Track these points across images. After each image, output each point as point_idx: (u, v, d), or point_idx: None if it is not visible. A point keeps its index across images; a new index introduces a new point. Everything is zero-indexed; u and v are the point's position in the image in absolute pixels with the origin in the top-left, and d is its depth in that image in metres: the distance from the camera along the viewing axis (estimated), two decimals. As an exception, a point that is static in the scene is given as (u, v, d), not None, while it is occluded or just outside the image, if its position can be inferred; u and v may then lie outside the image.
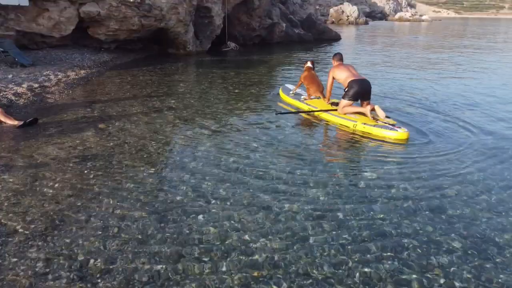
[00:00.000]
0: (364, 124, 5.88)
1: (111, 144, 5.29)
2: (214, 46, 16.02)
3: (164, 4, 12.45)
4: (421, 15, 75.15)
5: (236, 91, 8.81)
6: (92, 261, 2.92)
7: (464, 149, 5.24)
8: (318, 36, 22.24)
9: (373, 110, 6.04)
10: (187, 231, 3.31)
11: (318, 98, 7.34)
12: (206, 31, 15.11)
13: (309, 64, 7.78)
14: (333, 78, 6.60)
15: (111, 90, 8.66)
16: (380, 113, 5.95)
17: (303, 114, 6.81)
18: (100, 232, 3.28)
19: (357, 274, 2.82)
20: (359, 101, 6.36)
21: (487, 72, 12.14)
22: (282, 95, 8.01)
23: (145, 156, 4.91)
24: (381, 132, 5.63)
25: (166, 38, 13.80)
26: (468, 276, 2.81)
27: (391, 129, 5.58)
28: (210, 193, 3.98)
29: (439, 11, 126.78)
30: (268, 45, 18.91)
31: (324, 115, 6.65)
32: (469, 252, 3.08)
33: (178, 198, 3.87)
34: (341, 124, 6.24)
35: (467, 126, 6.25)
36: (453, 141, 5.57)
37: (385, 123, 5.75)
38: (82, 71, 10.18)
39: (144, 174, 4.40)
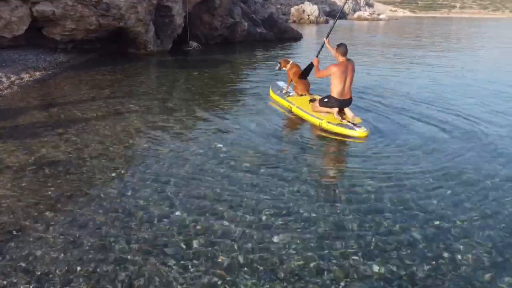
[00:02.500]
0: (329, 122, 6.08)
1: (70, 149, 5.10)
2: (176, 45, 15.77)
3: (123, 3, 12.14)
4: (379, 14, 77.33)
5: (200, 91, 8.74)
6: (52, 272, 2.82)
7: (422, 145, 5.45)
8: (280, 35, 22.37)
9: (342, 110, 6.21)
10: (152, 236, 3.26)
11: (302, 95, 7.46)
12: (167, 30, 14.86)
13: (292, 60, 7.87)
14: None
15: (69, 92, 8.36)
16: (348, 113, 6.18)
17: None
18: (61, 241, 3.17)
19: (325, 271, 2.88)
20: None
21: (446, 68, 12.66)
22: (272, 94, 8.04)
23: (106, 160, 4.78)
24: (343, 130, 5.83)
25: (126, 37, 13.46)
26: (428, 267, 2.94)
27: (350, 128, 5.79)
28: (175, 196, 3.93)
29: (396, 10, 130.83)
30: (230, 44, 18.84)
31: (295, 110, 6.90)
32: (428, 241, 3.22)
33: (142, 202, 3.80)
34: (309, 120, 6.45)
35: (429, 121, 6.51)
36: (413, 136, 5.78)
37: (350, 122, 5.92)
38: (37, 73, 9.76)
39: (106, 179, 4.28)
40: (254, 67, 12.83)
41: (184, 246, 3.13)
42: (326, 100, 6.30)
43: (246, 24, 19.87)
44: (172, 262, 2.95)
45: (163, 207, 3.71)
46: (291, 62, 7.80)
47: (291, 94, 7.55)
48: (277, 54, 16.35)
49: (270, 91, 8.17)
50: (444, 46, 22.13)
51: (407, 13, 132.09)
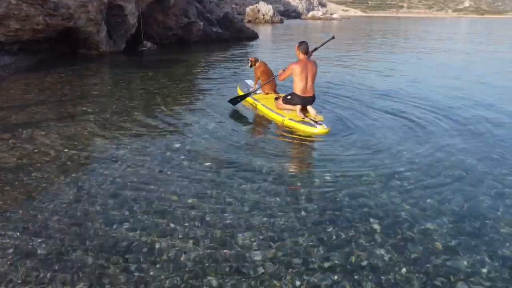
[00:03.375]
0: (291, 119, 6.16)
1: (18, 154, 4.83)
2: (130, 46, 15.40)
3: (72, 2, 11.67)
4: (331, 14, 79.24)
5: (156, 91, 8.56)
6: (3, 286, 2.65)
7: (381, 141, 5.63)
8: (236, 35, 22.40)
9: (305, 108, 6.30)
10: (111, 241, 3.15)
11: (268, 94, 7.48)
12: (120, 30, 14.46)
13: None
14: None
15: (16, 95, 7.92)
16: (311, 111, 6.26)
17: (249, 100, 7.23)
18: (11, 252, 2.99)
19: (289, 269, 2.90)
20: None
21: (401, 66, 13.16)
22: (239, 92, 7.99)
23: (58, 165, 4.57)
24: (304, 128, 5.93)
25: (76, 38, 12.97)
26: (388, 255, 3.03)
27: (311, 125, 5.88)
28: (133, 199, 3.82)
29: (348, 10, 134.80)
30: (186, 44, 18.63)
31: (259, 107, 6.97)
32: (386, 233, 3.32)
33: (98, 207, 3.67)
34: (272, 118, 6.51)
35: (392, 116, 6.73)
36: (373, 133, 5.96)
37: (311, 119, 6.01)
38: (-21, 76, 9.19)
39: (59, 185, 4.09)
40: (211, 66, 12.75)
41: (145, 250, 3.05)
42: (289, 97, 6.36)
43: (201, 23, 19.72)
44: (133, 267, 2.86)
45: (121, 211, 3.59)
46: (259, 60, 7.82)
47: (258, 92, 7.55)
48: (234, 54, 16.36)
49: (238, 89, 8.16)
50: (399, 44, 23.01)
51: (359, 12, 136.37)
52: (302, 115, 6.18)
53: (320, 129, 5.79)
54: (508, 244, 3.21)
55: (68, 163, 4.64)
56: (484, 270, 2.89)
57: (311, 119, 6.04)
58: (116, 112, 6.84)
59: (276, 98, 6.89)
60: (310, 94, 6.27)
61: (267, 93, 7.49)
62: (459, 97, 8.33)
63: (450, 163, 4.83)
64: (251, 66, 7.82)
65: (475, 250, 3.12)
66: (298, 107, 6.28)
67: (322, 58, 13.49)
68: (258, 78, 7.68)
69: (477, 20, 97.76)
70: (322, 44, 6.90)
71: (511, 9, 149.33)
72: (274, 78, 7.51)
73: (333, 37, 7.06)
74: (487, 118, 6.76)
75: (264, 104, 6.93)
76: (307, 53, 6.25)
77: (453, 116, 6.81)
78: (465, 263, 2.97)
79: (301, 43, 6.31)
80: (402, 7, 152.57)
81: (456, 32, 40.69)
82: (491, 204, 3.85)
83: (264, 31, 32.07)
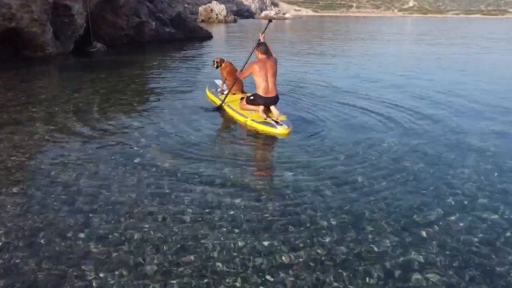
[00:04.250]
0: (253, 120, 6.17)
1: (-41, 164, 4.52)
2: (79, 47, 14.81)
3: (13, 2, 11.02)
4: (284, 13, 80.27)
5: (107, 94, 8.29)
6: None
7: (339, 140, 5.77)
8: (190, 35, 22.15)
9: (268, 108, 6.34)
10: (67, 251, 3.01)
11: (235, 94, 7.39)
12: (67, 31, 13.85)
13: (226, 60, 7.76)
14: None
15: (-47, 101, 7.39)
16: (274, 111, 6.30)
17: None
18: (-45, 270, 2.78)
19: (250, 265, 2.91)
20: None
21: (359, 62, 13.54)
22: (208, 92, 7.89)
23: (5, 174, 4.31)
24: (265, 128, 5.97)
25: (20, 39, 12.28)
26: (346, 249, 3.11)
27: (272, 126, 5.92)
28: (89, 206, 3.67)
29: (300, 10, 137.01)
30: (138, 44, 18.18)
31: (226, 108, 6.94)
32: (345, 228, 3.41)
33: (51, 216, 3.49)
34: (236, 119, 6.49)
35: (354, 113, 6.91)
36: (333, 131, 6.09)
37: (273, 120, 6.05)
38: None
39: (6, 195, 3.86)
40: (165, 67, 12.53)
41: (103, 257, 2.95)
42: (252, 98, 6.36)
43: (153, 23, 19.34)
44: (91, 275, 2.75)
45: (76, 219, 3.45)
46: (225, 61, 7.74)
47: (225, 93, 7.45)
48: (188, 54, 16.16)
49: (207, 90, 8.06)
50: (353, 44, 23.68)
51: (310, 12, 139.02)
52: (265, 116, 6.19)
53: (280, 130, 5.83)
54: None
55: (16, 172, 4.39)
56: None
57: (273, 120, 6.06)
58: (65, 117, 6.55)
59: (242, 98, 6.88)
60: (272, 94, 6.28)
61: (234, 94, 7.40)
62: (426, 100, 8.71)
63: (407, 164, 5.04)
64: (217, 67, 7.73)
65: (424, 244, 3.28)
66: (261, 107, 6.30)
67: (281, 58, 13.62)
68: (225, 79, 7.63)
69: (422, 19, 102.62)
70: (264, 30, 7.04)
71: (451, 8, 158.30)
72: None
73: (270, 21, 7.55)
74: (432, 113, 7.14)
75: (229, 105, 6.87)
76: (266, 52, 6.29)
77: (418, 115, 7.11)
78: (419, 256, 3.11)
79: (259, 44, 6.35)
80: (351, 6, 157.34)
81: (403, 30, 42.52)
82: (434, 201, 4.07)
83: (218, 31, 31.93)
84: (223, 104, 7.01)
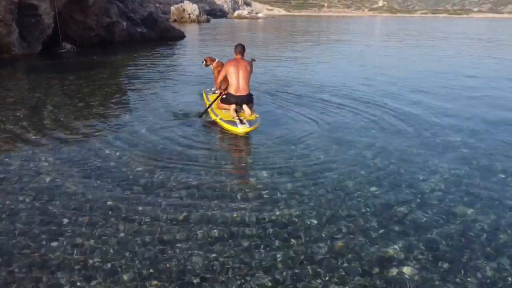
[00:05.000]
0: (221, 119, 6.21)
1: None
2: (47, 48, 14.38)
3: (-24, 1, 10.62)
4: (257, 13, 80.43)
5: (77, 96, 8.09)
6: None
7: (309, 138, 5.84)
8: (162, 35, 21.87)
9: (241, 107, 6.38)
10: (41, 260, 2.93)
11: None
12: (34, 31, 13.42)
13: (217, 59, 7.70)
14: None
15: None
16: (246, 110, 6.33)
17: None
18: None
19: (229, 268, 2.91)
20: None
21: (333, 60, 13.69)
22: (204, 93, 7.81)
23: (-28, 182, 4.15)
24: (228, 127, 6.01)
25: (-17, 40, 11.82)
26: (325, 248, 3.16)
27: (235, 124, 5.95)
28: (62, 213, 3.58)
29: (272, 9, 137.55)
30: (109, 45, 17.81)
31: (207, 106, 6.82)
32: (324, 225, 3.46)
33: (22, 226, 3.38)
34: (210, 116, 6.51)
35: (328, 111, 6.99)
36: (303, 128, 6.15)
37: (239, 119, 6.07)
38: None
39: (-26, 203, 3.71)
40: (136, 67, 12.32)
41: (78, 266, 2.88)
42: (225, 96, 6.42)
43: (124, 23, 19.00)
44: (66, 286, 2.69)
45: (50, 228, 3.35)
46: (216, 60, 7.71)
47: (216, 92, 7.29)
48: (160, 54, 15.95)
49: (204, 94, 7.91)
50: (320, 39, 23.95)
51: (282, 11, 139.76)
52: (235, 115, 6.22)
53: (241, 128, 5.87)
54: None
55: (-17, 179, 4.23)
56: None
57: (239, 118, 6.10)
58: (35, 120, 6.35)
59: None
60: (243, 93, 6.33)
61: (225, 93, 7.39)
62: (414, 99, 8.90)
63: (377, 162, 5.15)
64: (206, 65, 7.70)
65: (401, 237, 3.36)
66: (232, 106, 6.33)
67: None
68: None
69: (390, 19, 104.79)
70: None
71: (419, 8, 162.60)
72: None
73: (253, 60, 6.94)
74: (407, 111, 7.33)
75: (210, 103, 6.79)
76: (241, 53, 6.39)
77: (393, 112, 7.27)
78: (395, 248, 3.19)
79: (237, 44, 6.49)
80: (323, 6, 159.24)
81: (373, 29, 43.35)
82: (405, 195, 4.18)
83: (191, 31, 31.65)
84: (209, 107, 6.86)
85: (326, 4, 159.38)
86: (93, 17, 16.69)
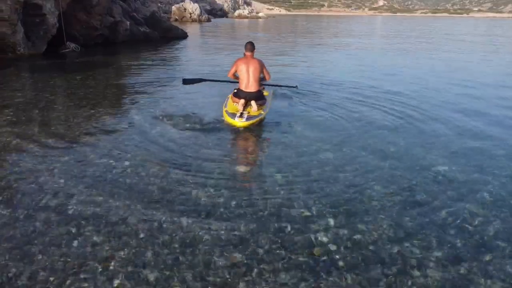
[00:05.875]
0: (226, 111, 6.42)
1: None
2: (52, 47, 14.35)
3: (-19, 1, 10.59)
4: (257, 13, 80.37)
5: (83, 96, 8.06)
6: None
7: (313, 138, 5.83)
8: (165, 34, 21.86)
9: (249, 102, 6.55)
10: (61, 261, 2.92)
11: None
12: (39, 31, 13.39)
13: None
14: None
15: None
16: (253, 105, 6.48)
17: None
18: None
19: (253, 272, 2.90)
20: None
21: (335, 59, 13.69)
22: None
23: (-16, 182, 4.13)
24: (228, 119, 6.21)
25: (-12, 40, 11.80)
26: (307, 251, 3.15)
27: (232, 117, 6.14)
28: (78, 214, 3.56)
29: (272, 9, 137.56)
30: (113, 44, 17.79)
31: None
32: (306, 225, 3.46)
33: (39, 224, 3.37)
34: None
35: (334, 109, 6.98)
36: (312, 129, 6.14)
37: (241, 112, 6.24)
38: None
39: (-10, 204, 3.70)
40: (140, 67, 12.27)
41: (100, 268, 2.87)
42: (235, 91, 6.69)
43: (128, 23, 19.00)
44: (90, 287, 2.68)
45: (68, 228, 3.34)
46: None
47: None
48: (164, 54, 15.94)
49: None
50: (330, 41, 23.91)
51: (283, 11, 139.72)
52: (241, 108, 6.39)
53: (237, 122, 6.02)
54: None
55: (-2, 179, 4.22)
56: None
57: (242, 112, 6.26)
58: (44, 120, 6.34)
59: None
60: (251, 90, 6.49)
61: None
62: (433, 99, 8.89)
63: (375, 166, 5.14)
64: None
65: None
66: (241, 101, 6.49)
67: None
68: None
69: (391, 18, 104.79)
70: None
71: (419, 7, 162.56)
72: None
73: (296, 87, 7.72)
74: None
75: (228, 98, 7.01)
76: (250, 50, 6.55)
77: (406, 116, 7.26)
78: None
79: (247, 42, 6.68)
80: (323, 5, 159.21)
81: (375, 28, 43.35)
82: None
83: (193, 31, 31.63)
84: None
85: (326, 4, 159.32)
86: (97, 17, 16.66)
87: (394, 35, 32.61)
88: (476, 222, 3.58)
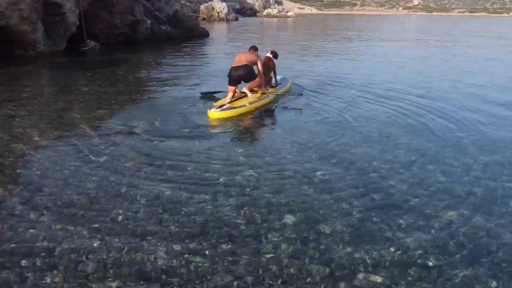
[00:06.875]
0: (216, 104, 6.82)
1: None
2: (72, 45, 14.82)
3: (2, 0, 11.06)
4: (287, 12, 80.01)
5: (92, 92, 8.28)
6: None
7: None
8: (186, 33, 22.12)
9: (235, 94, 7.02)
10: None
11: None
12: (59, 29, 13.86)
13: (268, 54, 8.08)
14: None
15: None
16: (248, 94, 7.06)
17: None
18: None
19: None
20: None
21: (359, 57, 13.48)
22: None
23: None
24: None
25: (10, 37, 12.30)
26: (294, 249, 3.09)
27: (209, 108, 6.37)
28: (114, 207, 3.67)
29: (304, 8, 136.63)
30: (133, 43, 18.17)
31: None
32: (297, 224, 3.39)
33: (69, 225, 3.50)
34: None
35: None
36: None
37: (223, 104, 6.54)
38: None
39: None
40: (159, 65, 12.50)
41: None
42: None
43: (149, 21, 19.33)
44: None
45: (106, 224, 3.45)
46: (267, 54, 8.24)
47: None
48: (184, 52, 16.14)
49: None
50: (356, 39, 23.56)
51: (314, 10, 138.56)
52: (227, 100, 6.80)
53: (212, 111, 6.25)
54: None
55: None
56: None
57: (223, 104, 6.55)
58: (51, 116, 6.57)
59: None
60: (238, 65, 6.96)
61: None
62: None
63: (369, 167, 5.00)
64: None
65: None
66: (229, 94, 6.97)
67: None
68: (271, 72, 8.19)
69: (427, 18, 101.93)
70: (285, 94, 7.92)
71: (456, 6, 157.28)
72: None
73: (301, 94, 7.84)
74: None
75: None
76: (253, 49, 7.38)
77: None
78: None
79: (250, 46, 7.54)
80: (355, 4, 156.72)
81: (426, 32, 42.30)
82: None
83: (218, 29, 31.91)
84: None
85: (359, 3, 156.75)
86: (118, 16, 17.06)
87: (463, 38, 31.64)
88: None
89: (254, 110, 6.74)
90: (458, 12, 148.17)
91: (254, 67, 7.13)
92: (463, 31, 35.95)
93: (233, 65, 6.99)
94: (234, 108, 6.22)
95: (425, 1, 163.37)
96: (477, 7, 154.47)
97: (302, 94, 7.72)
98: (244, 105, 6.38)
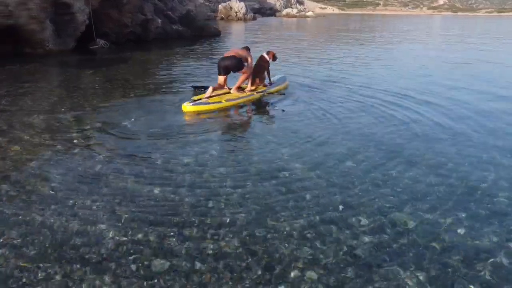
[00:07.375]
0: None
1: None
2: (82, 44, 15.19)
3: (11, 0, 11.44)
4: (308, 11, 79.56)
5: (94, 90, 8.51)
6: None
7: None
8: (198, 33, 22.33)
9: (216, 89, 7.20)
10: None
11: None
12: (68, 28, 14.23)
13: (264, 54, 8.22)
14: None
15: None
16: (232, 89, 7.35)
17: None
18: None
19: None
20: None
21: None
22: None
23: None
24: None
25: (19, 36, 12.71)
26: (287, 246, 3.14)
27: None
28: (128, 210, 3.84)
29: (325, 8, 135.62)
30: (144, 42, 18.46)
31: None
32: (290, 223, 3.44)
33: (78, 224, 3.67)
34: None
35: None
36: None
37: (200, 99, 6.76)
38: None
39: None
40: (168, 64, 12.65)
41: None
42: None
43: (159, 21, 19.60)
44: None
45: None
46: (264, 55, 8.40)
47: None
48: (194, 51, 16.27)
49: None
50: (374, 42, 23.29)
51: (336, 10, 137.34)
52: (207, 95, 6.99)
53: (186, 105, 6.43)
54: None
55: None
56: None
57: (200, 99, 6.75)
58: (37, 110, 6.80)
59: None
60: (227, 55, 7.47)
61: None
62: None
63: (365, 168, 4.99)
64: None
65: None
66: (210, 89, 7.19)
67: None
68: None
69: (452, 18, 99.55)
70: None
71: (483, 6, 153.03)
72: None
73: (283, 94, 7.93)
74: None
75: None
76: (246, 48, 7.83)
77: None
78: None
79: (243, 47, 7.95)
80: (378, 4, 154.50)
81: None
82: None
83: (232, 29, 32.07)
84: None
85: (381, 2, 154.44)
86: (128, 15, 17.38)
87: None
88: None
89: (229, 107, 6.79)
90: (486, 12, 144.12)
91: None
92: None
93: (223, 56, 7.59)
94: (209, 103, 6.37)
95: (450, 1, 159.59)
96: (505, 7, 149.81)
97: (284, 94, 7.74)
98: (220, 102, 6.50)
